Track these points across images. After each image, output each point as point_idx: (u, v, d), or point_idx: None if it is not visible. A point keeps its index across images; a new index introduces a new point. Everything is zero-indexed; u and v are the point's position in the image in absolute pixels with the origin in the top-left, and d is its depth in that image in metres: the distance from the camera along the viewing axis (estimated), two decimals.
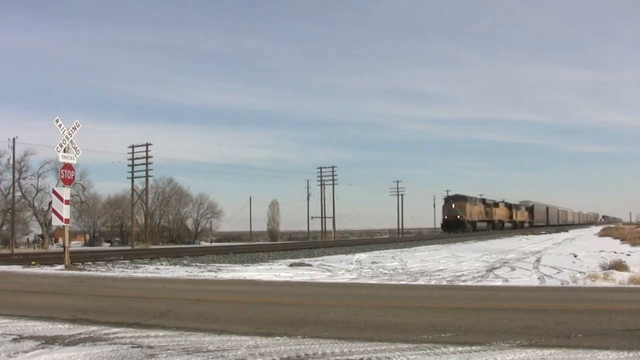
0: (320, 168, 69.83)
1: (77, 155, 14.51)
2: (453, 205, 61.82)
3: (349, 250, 22.95)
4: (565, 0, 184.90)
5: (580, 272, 12.76)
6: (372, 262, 16.50)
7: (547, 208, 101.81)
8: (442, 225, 63.88)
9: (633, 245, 28.50)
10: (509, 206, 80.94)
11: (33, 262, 14.26)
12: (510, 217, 79.80)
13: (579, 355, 4.25)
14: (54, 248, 49.66)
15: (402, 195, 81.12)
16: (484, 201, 71.11)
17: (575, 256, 18.97)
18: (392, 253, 21.42)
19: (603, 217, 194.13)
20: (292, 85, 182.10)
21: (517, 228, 77.60)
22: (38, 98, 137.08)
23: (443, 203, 65.34)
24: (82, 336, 5.15)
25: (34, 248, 52.46)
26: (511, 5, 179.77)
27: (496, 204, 74.49)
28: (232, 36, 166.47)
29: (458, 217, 60.34)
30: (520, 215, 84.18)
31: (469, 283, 10.93)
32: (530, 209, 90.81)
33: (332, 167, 69.63)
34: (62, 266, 13.48)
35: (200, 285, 10.10)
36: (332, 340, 4.83)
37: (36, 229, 60.91)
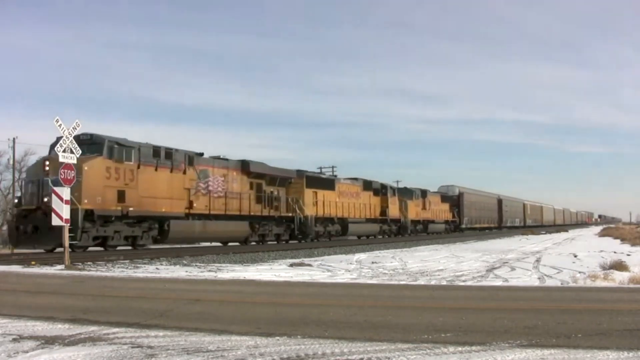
0: (320, 168, 69.45)
1: (77, 155, 14.50)
2: (46, 167, 18.30)
3: (349, 250, 22.94)
4: (565, 0, 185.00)
5: (580, 272, 12.76)
6: (372, 262, 16.49)
7: (501, 201, 70.74)
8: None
9: (633, 245, 28.51)
10: (381, 191, 40.40)
11: (33, 262, 14.24)
12: (382, 211, 39.99)
13: (579, 355, 4.25)
14: None
15: None
16: (271, 178, 28.67)
17: (575, 256, 18.97)
18: (392, 253, 21.41)
19: (599, 216, 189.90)
20: (292, 85, 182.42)
21: (400, 235, 42.61)
22: (38, 98, 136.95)
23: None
24: (82, 336, 5.15)
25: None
26: (511, 5, 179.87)
27: (326, 183, 33.99)
28: (232, 36, 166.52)
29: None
30: (417, 209, 46.54)
31: (469, 283, 10.93)
32: (455, 201, 56.49)
33: (332, 167, 68.69)
34: (62, 266, 13.46)
35: (200, 285, 10.10)
36: (332, 340, 4.83)
37: None
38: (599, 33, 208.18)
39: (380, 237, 39.70)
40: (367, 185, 39.13)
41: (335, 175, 37.57)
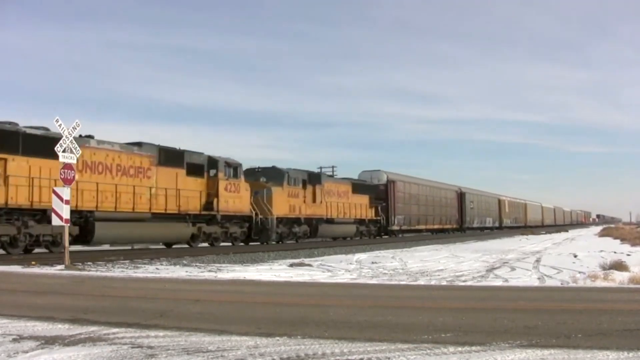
0: (320, 168, 69.37)
1: (77, 155, 14.51)
2: None
3: (348, 250, 22.93)
4: (565, 0, 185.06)
5: (580, 272, 12.77)
6: (372, 262, 16.49)
7: (462, 194, 55.67)
8: None
9: (633, 245, 28.50)
10: (205, 169, 24.17)
11: (33, 262, 14.23)
12: (209, 201, 24.01)
13: (579, 355, 4.25)
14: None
15: None
16: None
17: (575, 256, 18.97)
18: (392, 253, 21.41)
19: (598, 216, 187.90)
20: (292, 85, 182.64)
21: (259, 241, 27.25)
22: (38, 98, 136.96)
23: None
24: (82, 336, 5.15)
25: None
26: (511, 5, 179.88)
27: (35, 143, 17.51)
28: (232, 36, 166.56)
29: None
30: (295, 201, 29.79)
31: (469, 283, 10.93)
32: (382, 192, 39.89)
33: (332, 167, 68.18)
34: (62, 266, 13.45)
35: (200, 285, 10.10)
36: (332, 340, 4.83)
37: None
38: (599, 33, 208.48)
39: (197, 245, 24.12)
40: (171, 156, 22.60)
41: (92, 136, 20.08)
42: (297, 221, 30.37)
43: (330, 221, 32.81)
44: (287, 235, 29.60)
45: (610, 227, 79.95)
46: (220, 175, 24.72)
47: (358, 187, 37.23)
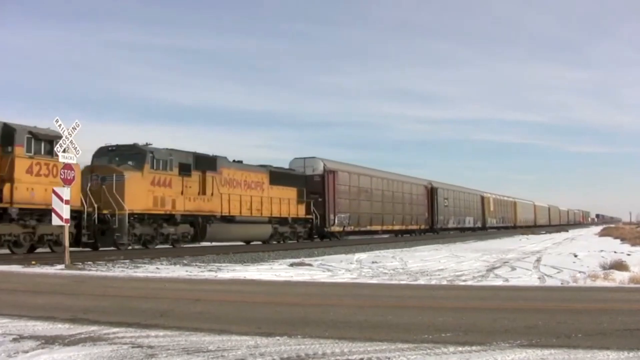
0: None
1: (77, 156, 14.51)
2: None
3: (349, 250, 22.92)
4: (565, 1, 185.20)
5: (580, 272, 12.77)
6: (372, 262, 16.49)
7: (433, 189, 47.48)
8: None
9: (633, 245, 28.50)
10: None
11: (33, 262, 14.23)
12: None
13: (579, 355, 4.25)
14: None
15: None
16: None
17: (576, 256, 18.97)
18: (392, 253, 21.41)
19: (597, 216, 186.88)
20: (292, 85, 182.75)
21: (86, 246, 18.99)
22: (38, 98, 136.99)
23: None
24: (82, 336, 5.16)
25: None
26: (511, 5, 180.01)
27: None
28: (232, 36, 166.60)
29: None
30: (166, 192, 21.37)
31: (469, 283, 10.94)
32: (317, 184, 31.70)
33: None
34: (62, 266, 13.46)
35: (200, 285, 10.10)
36: (332, 340, 4.83)
37: None
38: (599, 33, 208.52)
39: None
40: None
41: None
42: (169, 219, 22.23)
43: (228, 219, 25.09)
44: (151, 239, 21.59)
45: (611, 227, 79.91)
46: (20, 150, 16.83)
47: (280, 176, 28.90)
